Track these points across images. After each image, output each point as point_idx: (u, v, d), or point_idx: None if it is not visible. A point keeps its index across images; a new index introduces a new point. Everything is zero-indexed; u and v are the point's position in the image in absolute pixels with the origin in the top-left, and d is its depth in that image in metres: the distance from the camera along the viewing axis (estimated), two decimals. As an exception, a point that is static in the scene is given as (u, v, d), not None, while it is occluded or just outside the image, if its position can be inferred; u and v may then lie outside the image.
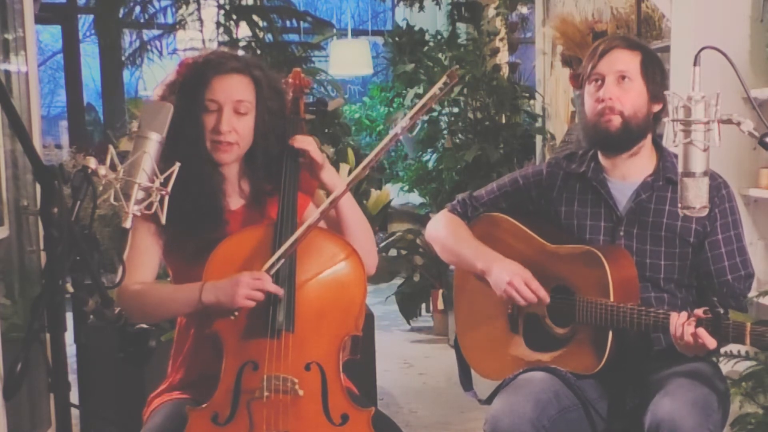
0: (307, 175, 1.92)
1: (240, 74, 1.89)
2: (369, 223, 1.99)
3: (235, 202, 1.96)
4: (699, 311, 1.81)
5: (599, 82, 2.00)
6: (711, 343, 1.77)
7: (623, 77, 1.98)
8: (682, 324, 1.79)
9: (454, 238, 2.18)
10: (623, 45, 2.01)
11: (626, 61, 1.99)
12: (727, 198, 2.04)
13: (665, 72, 2.08)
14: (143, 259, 1.89)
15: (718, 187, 2.00)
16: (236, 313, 1.76)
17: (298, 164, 1.92)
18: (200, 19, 4.60)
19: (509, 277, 2.01)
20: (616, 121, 1.99)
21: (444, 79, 1.63)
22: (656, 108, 2.03)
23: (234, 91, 1.87)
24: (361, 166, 1.76)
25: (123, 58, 5.30)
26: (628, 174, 2.07)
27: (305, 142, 1.89)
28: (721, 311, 1.76)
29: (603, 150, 2.07)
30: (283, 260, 1.77)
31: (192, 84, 1.87)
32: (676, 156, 1.94)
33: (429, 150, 5.55)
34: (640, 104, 2.00)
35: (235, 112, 1.87)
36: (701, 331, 1.77)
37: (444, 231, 2.21)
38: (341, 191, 1.79)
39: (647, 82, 2.00)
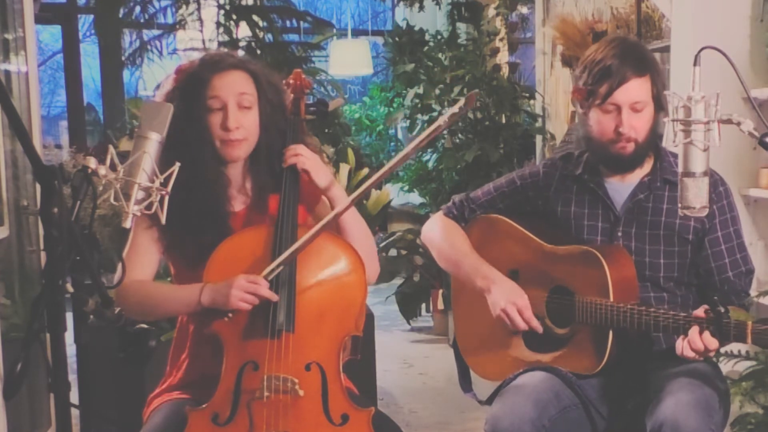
0: (308, 184, 1.92)
1: (238, 69, 1.90)
2: (369, 228, 1.99)
3: (238, 203, 1.96)
4: (699, 311, 1.81)
5: (613, 111, 1.98)
6: (712, 344, 1.78)
7: (638, 106, 1.97)
8: (687, 341, 1.80)
9: (452, 249, 2.18)
10: (636, 72, 1.95)
11: (641, 91, 1.96)
12: (724, 194, 2.05)
13: (664, 75, 2.08)
14: (143, 258, 1.89)
15: (714, 184, 2.00)
16: (230, 315, 1.77)
17: (297, 169, 1.92)
18: (200, 19, 4.60)
19: (504, 305, 2.02)
20: (630, 147, 1.99)
21: (461, 102, 1.64)
22: (657, 115, 2.03)
23: (235, 85, 1.87)
24: (366, 183, 1.77)
25: (123, 58, 5.30)
26: (629, 173, 2.07)
27: (295, 157, 1.89)
28: (722, 310, 1.76)
29: (612, 170, 2.07)
30: (282, 267, 1.77)
31: (191, 87, 1.87)
32: (674, 155, 1.95)
33: (429, 150, 5.54)
34: (650, 125, 2.00)
35: (239, 106, 1.87)
36: (706, 336, 1.77)
37: (441, 238, 2.21)
38: (344, 207, 1.80)
39: (656, 102, 1.99)
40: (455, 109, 1.66)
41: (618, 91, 1.96)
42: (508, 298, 2.03)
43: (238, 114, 1.87)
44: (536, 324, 2.03)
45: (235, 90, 1.87)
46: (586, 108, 2.03)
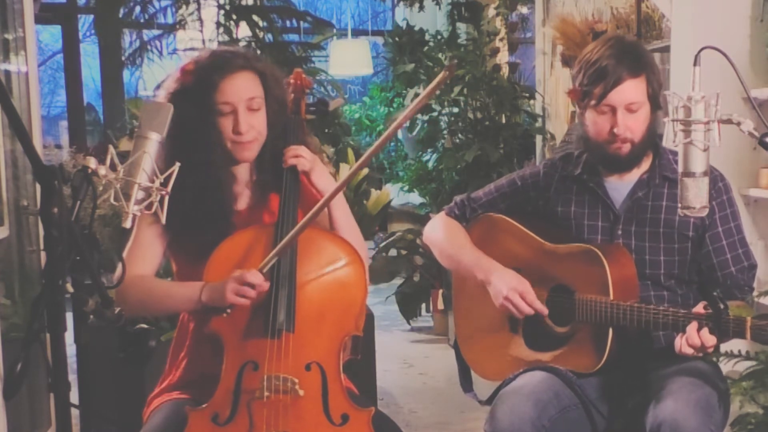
0: (309, 190, 1.92)
1: (245, 71, 1.89)
2: (365, 234, 1.99)
3: (242, 201, 1.96)
4: (699, 307, 1.82)
5: (608, 112, 1.97)
6: (710, 340, 1.78)
7: (633, 107, 1.96)
8: (685, 338, 1.80)
9: (453, 245, 2.19)
10: (631, 73, 1.95)
11: (636, 91, 1.96)
12: (724, 190, 2.05)
13: (660, 72, 2.08)
14: (146, 253, 1.90)
15: (714, 180, 2.00)
16: (229, 311, 1.77)
17: (297, 169, 1.92)
18: (200, 19, 4.60)
19: (506, 291, 2.02)
20: (626, 148, 2.00)
21: (441, 75, 1.63)
22: (654, 114, 2.03)
23: (244, 90, 1.87)
24: (357, 163, 1.77)
25: (123, 58, 5.30)
26: (626, 173, 2.07)
27: (295, 158, 1.89)
28: (722, 306, 1.76)
29: (610, 170, 2.07)
30: (276, 258, 1.77)
31: (200, 89, 1.86)
32: (673, 153, 1.95)
33: (429, 150, 5.54)
34: (646, 125, 2.00)
35: (248, 110, 1.87)
36: (703, 332, 1.78)
37: (442, 236, 2.22)
38: (335, 190, 1.79)
39: (651, 101, 1.99)
40: (437, 81, 1.65)
41: (612, 92, 1.95)
42: (509, 285, 2.03)
43: (248, 116, 1.87)
44: (540, 306, 2.02)
45: (245, 95, 1.87)
46: (582, 108, 2.03)
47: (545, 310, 2.03)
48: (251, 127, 1.88)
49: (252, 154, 1.91)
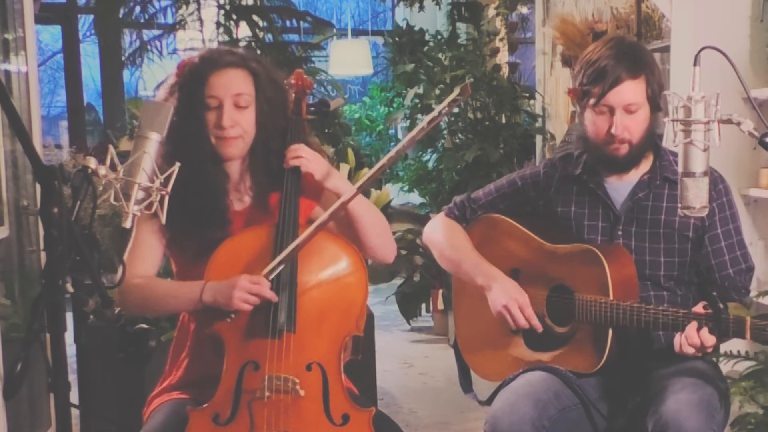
0: (311, 182, 1.92)
1: (237, 68, 1.90)
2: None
3: (239, 201, 1.96)
4: (698, 307, 1.82)
5: (606, 112, 1.97)
6: (709, 340, 1.78)
7: (632, 108, 1.96)
8: (685, 337, 1.81)
9: (453, 248, 2.19)
10: (630, 74, 1.94)
11: (634, 92, 1.95)
12: (724, 192, 2.05)
13: (661, 73, 2.08)
14: (145, 253, 1.90)
15: (714, 181, 1.99)
16: (233, 316, 1.77)
17: (299, 169, 1.91)
18: (200, 19, 4.60)
19: (506, 301, 2.04)
20: (624, 149, 1.99)
21: (456, 93, 1.64)
22: (654, 115, 2.03)
23: (232, 85, 1.88)
24: (366, 176, 1.77)
25: (123, 58, 5.29)
26: (625, 174, 2.07)
27: (296, 159, 1.88)
28: (721, 306, 1.77)
29: (609, 170, 2.07)
30: (283, 266, 1.77)
31: (191, 83, 1.88)
32: (673, 154, 1.95)
33: (429, 150, 5.54)
34: (645, 126, 1.99)
35: (235, 106, 1.88)
36: (703, 332, 1.78)
37: (442, 238, 2.22)
38: (346, 199, 1.79)
39: (651, 102, 1.99)
40: (450, 99, 1.66)
41: (611, 92, 1.95)
42: (510, 295, 2.04)
43: (234, 113, 1.87)
44: (536, 322, 2.04)
45: (232, 90, 1.87)
46: (582, 108, 2.03)
47: (540, 327, 2.04)
48: (236, 123, 1.87)
49: (236, 151, 1.91)
